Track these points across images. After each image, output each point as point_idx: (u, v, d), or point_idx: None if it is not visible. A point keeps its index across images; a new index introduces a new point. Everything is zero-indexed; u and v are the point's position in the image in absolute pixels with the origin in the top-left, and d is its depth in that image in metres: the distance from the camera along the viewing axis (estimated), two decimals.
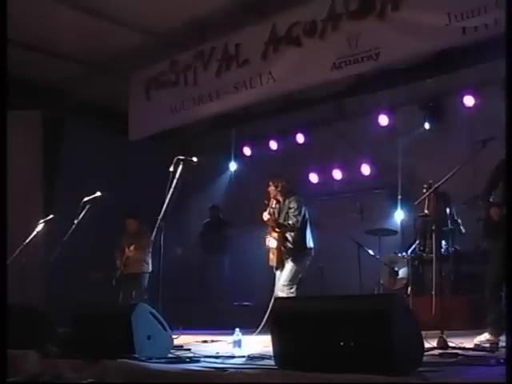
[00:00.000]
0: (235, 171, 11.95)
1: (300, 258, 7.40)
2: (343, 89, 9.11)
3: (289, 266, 7.35)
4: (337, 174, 10.90)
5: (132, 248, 8.77)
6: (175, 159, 6.46)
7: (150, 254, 8.89)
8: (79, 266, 9.18)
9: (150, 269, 8.90)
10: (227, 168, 11.99)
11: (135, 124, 9.64)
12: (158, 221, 6.31)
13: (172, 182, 6.42)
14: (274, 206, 7.65)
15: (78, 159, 10.05)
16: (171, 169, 6.43)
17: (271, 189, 7.71)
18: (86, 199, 7.17)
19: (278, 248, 7.40)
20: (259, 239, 11.07)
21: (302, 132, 11.07)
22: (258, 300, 8.95)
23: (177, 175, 6.42)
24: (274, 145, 11.48)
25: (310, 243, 7.47)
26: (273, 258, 7.50)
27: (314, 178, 11.28)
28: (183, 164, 6.52)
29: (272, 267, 7.49)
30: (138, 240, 8.65)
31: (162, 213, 6.30)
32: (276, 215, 7.59)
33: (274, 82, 7.84)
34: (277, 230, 7.42)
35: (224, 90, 8.37)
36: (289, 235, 7.41)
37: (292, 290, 7.31)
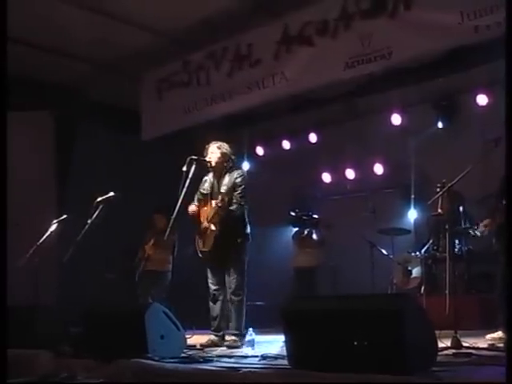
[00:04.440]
0: (248, 171, 11.84)
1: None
2: (355, 88, 9.09)
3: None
4: (349, 174, 10.89)
5: (152, 244, 8.89)
6: (188, 159, 6.55)
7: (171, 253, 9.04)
8: (92, 266, 9.22)
9: (171, 266, 9.02)
10: (239, 168, 11.89)
11: (148, 124, 9.64)
12: (171, 221, 6.43)
13: (185, 181, 6.48)
14: (211, 179, 7.00)
15: (91, 159, 10.06)
16: (184, 168, 6.49)
17: (214, 155, 6.93)
18: (99, 199, 7.17)
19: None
20: (273, 238, 11.21)
21: (314, 132, 11.05)
22: (271, 299, 8.98)
23: (190, 175, 6.48)
24: (286, 144, 11.45)
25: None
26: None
27: (326, 177, 11.29)
28: (196, 164, 6.61)
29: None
30: (164, 237, 8.68)
31: (175, 213, 6.39)
32: (207, 192, 6.93)
33: (286, 82, 7.81)
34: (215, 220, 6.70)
35: (236, 90, 8.35)
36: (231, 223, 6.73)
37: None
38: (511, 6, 4.48)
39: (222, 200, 6.46)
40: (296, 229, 10.88)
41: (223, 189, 6.73)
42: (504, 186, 5.52)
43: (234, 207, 6.67)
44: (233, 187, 6.72)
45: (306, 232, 10.60)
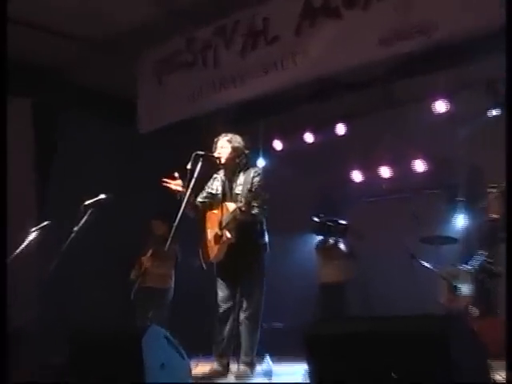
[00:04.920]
0: (264, 168, 11.80)
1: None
2: (392, 70, 9.05)
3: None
4: (385, 172, 10.83)
5: (151, 255, 8.98)
6: (194, 155, 6.62)
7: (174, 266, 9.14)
8: (79, 282, 9.26)
9: (173, 282, 9.14)
10: (254, 165, 11.87)
11: (145, 114, 9.69)
12: (173, 228, 6.41)
13: (190, 181, 6.50)
14: (223, 178, 7.12)
15: (78, 156, 10.03)
16: (189, 166, 6.52)
17: (224, 151, 7.03)
18: (87, 202, 7.19)
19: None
20: (293, 248, 11.20)
21: (343, 122, 10.97)
22: (292, 321, 8.95)
23: (195, 174, 6.51)
24: (309, 137, 11.39)
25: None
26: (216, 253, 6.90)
27: (357, 176, 11.26)
28: (203, 161, 6.64)
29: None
30: (165, 248, 8.68)
31: (178, 219, 6.40)
32: (218, 193, 7.06)
33: (309, 63, 7.79)
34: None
35: (250, 72, 8.35)
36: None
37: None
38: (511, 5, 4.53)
39: (247, 204, 6.45)
40: (320, 237, 10.88)
41: (238, 189, 6.79)
42: None
43: (256, 211, 6.68)
44: (251, 188, 6.73)
45: (332, 241, 10.62)
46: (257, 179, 6.79)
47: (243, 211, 6.45)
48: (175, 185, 6.85)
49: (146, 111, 9.66)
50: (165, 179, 6.85)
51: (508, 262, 4.68)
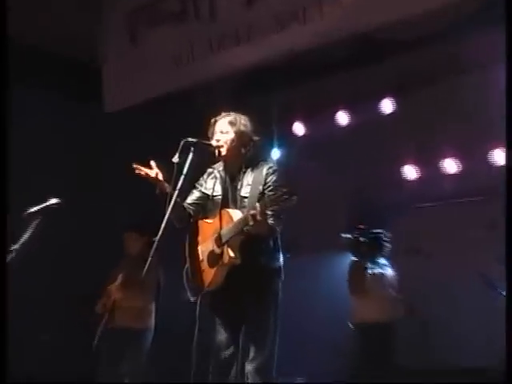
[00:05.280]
0: (279, 161, 11.83)
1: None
2: (453, 24, 9.04)
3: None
4: (450, 166, 10.80)
5: (122, 283, 9.01)
6: (182, 143, 6.44)
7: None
8: (20, 321, 9.19)
9: (153, 321, 9.13)
10: (267, 156, 11.65)
11: (114, 85, 9.72)
12: (154, 245, 6.23)
13: (177, 179, 6.43)
14: (222, 175, 6.96)
15: (22, 142, 9.93)
16: (176, 159, 6.39)
17: (225, 137, 6.80)
18: (32, 210, 7.17)
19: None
20: (318, 273, 11.15)
21: (388, 96, 11.04)
22: (318, 375, 8.91)
23: (185, 169, 6.41)
24: (343, 118, 11.42)
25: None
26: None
27: (410, 171, 11.21)
28: (195, 151, 6.50)
29: None
30: (142, 273, 8.53)
31: (161, 230, 6.23)
32: (216, 195, 6.89)
33: (340, 14, 7.79)
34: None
35: (260, 26, 8.36)
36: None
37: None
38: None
39: (263, 212, 6.33)
40: (356, 258, 10.68)
41: (245, 191, 6.65)
42: None
43: (273, 221, 6.45)
44: (263, 190, 6.58)
45: (373, 264, 10.51)
46: (272, 178, 6.63)
47: (258, 221, 6.29)
48: (152, 175, 6.70)
49: (115, 82, 9.68)
50: (137, 166, 6.69)
51: (508, 260, 4.98)
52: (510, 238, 4.47)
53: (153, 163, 6.60)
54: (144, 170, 6.56)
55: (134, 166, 6.58)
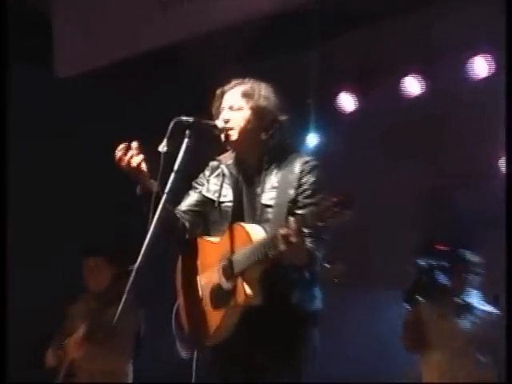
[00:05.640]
0: (318, 148, 11.93)
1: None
2: None
3: None
4: None
5: (84, 335, 8.88)
6: (173, 124, 6.25)
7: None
8: None
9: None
10: (301, 145, 11.86)
11: (69, 42, 9.77)
12: (133, 273, 5.96)
13: (165, 176, 6.15)
14: (234, 171, 6.78)
15: None
16: (163, 147, 6.17)
17: (235, 116, 6.57)
18: None
19: None
20: (376, 317, 10.98)
21: (481, 53, 10.78)
22: None
23: (177, 161, 6.19)
24: (413, 85, 11.27)
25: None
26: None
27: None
28: (190, 135, 6.31)
29: None
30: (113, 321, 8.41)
31: (143, 252, 5.96)
32: (224, 200, 6.73)
33: None
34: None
35: None
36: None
37: None
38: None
39: (299, 232, 5.85)
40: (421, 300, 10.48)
41: (268, 198, 6.42)
42: None
43: (312, 245, 6.17)
44: (296, 197, 6.32)
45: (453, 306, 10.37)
46: (310, 178, 6.36)
47: (291, 244, 5.88)
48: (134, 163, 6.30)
49: (71, 37, 9.76)
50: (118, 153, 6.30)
51: (508, 262, 5.98)
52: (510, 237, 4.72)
53: (135, 145, 6.32)
54: (124, 153, 6.27)
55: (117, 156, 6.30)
